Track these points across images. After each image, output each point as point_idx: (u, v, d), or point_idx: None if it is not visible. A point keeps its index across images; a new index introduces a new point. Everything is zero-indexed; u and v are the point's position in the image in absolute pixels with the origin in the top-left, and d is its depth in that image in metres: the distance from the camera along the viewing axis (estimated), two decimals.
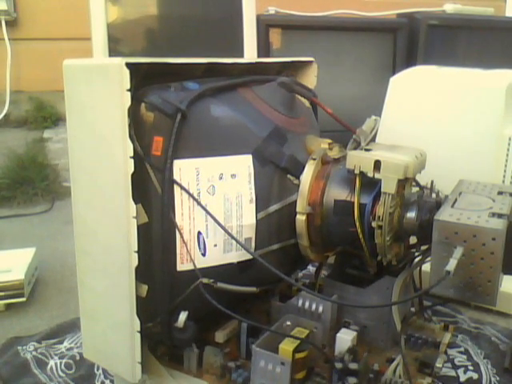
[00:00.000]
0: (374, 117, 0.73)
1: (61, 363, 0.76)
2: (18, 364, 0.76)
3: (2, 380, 0.72)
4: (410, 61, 1.41)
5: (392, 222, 0.64)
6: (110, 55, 1.29)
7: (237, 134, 0.66)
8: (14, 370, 0.74)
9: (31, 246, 1.07)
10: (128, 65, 0.56)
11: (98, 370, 0.74)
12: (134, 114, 0.59)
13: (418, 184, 0.71)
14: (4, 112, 1.86)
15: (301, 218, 0.68)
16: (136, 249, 0.59)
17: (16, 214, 1.38)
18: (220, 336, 0.70)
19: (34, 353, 0.78)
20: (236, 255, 0.65)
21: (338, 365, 0.64)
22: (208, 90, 0.65)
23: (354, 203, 0.65)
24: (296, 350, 0.62)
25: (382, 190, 0.63)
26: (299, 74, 0.84)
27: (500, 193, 0.65)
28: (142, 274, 0.60)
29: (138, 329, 0.61)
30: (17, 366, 0.75)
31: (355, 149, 0.69)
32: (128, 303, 0.60)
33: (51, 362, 0.76)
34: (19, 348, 0.79)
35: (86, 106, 0.60)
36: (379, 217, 0.63)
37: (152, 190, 0.61)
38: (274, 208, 0.67)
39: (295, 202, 0.68)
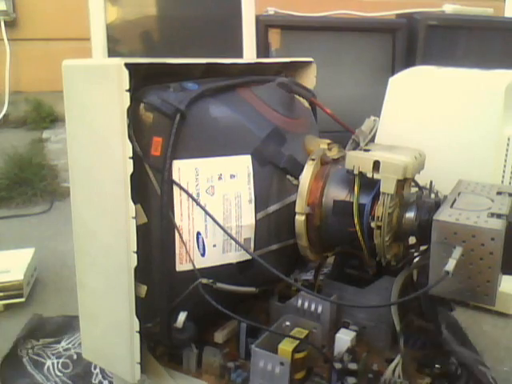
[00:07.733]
0: (373, 117, 0.73)
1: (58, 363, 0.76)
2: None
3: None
4: (409, 61, 1.41)
5: (391, 222, 0.64)
6: (109, 56, 1.29)
7: (236, 134, 0.65)
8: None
9: (30, 246, 1.07)
10: (127, 65, 0.56)
11: (95, 369, 0.73)
12: (133, 114, 0.59)
13: (417, 184, 0.71)
14: (3, 112, 1.86)
15: (300, 219, 0.68)
16: (135, 249, 0.59)
17: (15, 214, 1.37)
18: (219, 336, 0.70)
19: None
20: (235, 255, 0.65)
21: (338, 365, 0.63)
22: (207, 90, 0.65)
23: (353, 203, 0.65)
24: (295, 351, 0.62)
25: (381, 190, 0.63)
26: (298, 74, 0.84)
27: (499, 193, 0.65)
28: (141, 275, 0.60)
29: (138, 329, 0.61)
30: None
31: (354, 149, 0.69)
32: (127, 303, 0.60)
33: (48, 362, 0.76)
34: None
35: (85, 107, 0.60)
36: (378, 217, 0.63)
37: (151, 190, 0.61)
38: (273, 208, 0.67)
39: (294, 202, 0.68)
